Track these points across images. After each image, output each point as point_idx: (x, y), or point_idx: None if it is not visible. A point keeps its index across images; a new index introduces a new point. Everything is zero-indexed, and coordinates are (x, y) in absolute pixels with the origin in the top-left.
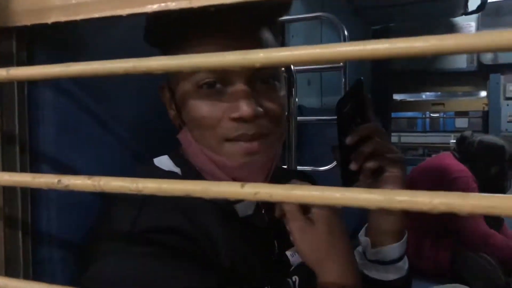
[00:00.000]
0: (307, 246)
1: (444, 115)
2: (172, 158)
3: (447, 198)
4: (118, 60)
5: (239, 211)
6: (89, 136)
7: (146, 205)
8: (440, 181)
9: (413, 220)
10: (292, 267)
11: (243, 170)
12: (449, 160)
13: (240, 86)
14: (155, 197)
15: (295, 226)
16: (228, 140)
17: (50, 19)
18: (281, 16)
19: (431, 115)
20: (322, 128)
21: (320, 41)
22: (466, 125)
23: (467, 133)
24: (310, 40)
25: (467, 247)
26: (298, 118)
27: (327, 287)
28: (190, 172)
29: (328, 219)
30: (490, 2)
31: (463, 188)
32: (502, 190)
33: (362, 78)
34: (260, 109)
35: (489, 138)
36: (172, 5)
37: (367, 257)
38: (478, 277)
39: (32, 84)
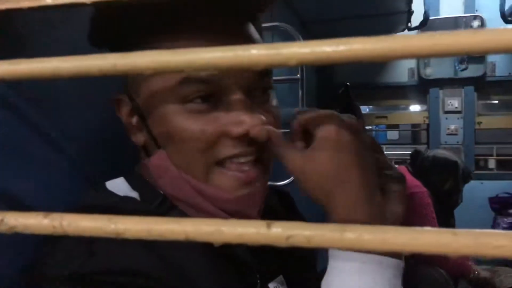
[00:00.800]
0: (308, 181)
1: (376, 128)
2: (128, 180)
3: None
4: (92, 56)
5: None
6: (34, 157)
7: (99, 240)
8: None
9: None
10: None
11: (239, 203)
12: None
13: (239, 96)
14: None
15: (290, 158)
16: (220, 163)
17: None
18: (264, 11)
19: (365, 127)
20: None
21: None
22: (397, 137)
23: (421, 148)
24: None
25: (420, 260)
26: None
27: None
28: (154, 197)
29: (335, 142)
30: (432, 18)
31: (418, 203)
32: (455, 205)
33: (348, 83)
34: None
35: (443, 153)
36: None
37: None
38: None
39: None
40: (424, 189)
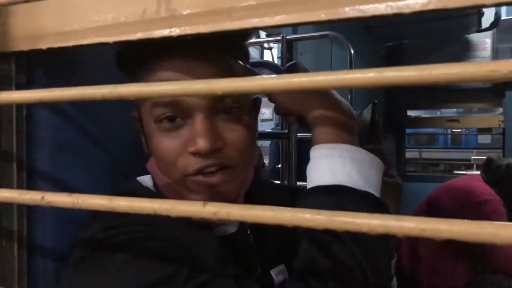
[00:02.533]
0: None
1: (466, 131)
2: (153, 178)
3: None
4: (96, 86)
5: (219, 229)
6: (82, 155)
7: (123, 219)
8: (466, 202)
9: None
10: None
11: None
12: (477, 182)
13: (199, 119)
14: (135, 217)
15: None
16: (188, 174)
17: (44, 45)
18: (244, 41)
19: (453, 131)
20: None
21: (330, 58)
22: (489, 141)
23: (494, 155)
24: (319, 58)
25: (489, 268)
26: (298, 134)
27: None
28: (160, 196)
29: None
30: (504, 19)
31: (490, 211)
32: None
33: (376, 101)
34: (219, 142)
35: None
36: (155, 34)
37: None
38: None
39: (31, 105)
40: (497, 197)
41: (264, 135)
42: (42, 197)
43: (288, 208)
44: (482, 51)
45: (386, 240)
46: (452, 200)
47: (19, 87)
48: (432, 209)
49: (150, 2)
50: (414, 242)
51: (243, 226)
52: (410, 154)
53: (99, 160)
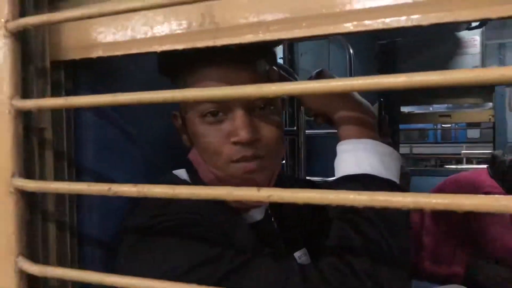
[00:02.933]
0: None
1: (456, 126)
2: (187, 172)
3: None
4: (160, 92)
5: (248, 218)
6: (121, 152)
7: (166, 209)
8: (471, 192)
9: (433, 222)
10: None
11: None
12: (483, 176)
13: (239, 114)
14: (174, 205)
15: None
16: (232, 161)
17: (95, 54)
18: (275, 46)
19: (443, 126)
20: (330, 140)
21: (328, 58)
22: (478, 136)
23: (498, 152)
24: (318, 58)
25: (486, 255)
26: (306, 131)
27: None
28: (195, 179)
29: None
30: None
31: None
32: None
33: (382, 100)
34: (256, 134)
35: None
36: (199, 44)
37: None
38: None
39: (77, 108)
40: (501, 190)
41: None
42: (109, 189)
43: (332, 190)
44: (472, 48)
45: (406, 220)
46: (458, 190)
47: (68, 92)
48: None
49: (195, 16)
50: (418, 232)
51: (268, 213)
52: (401, 149)
53: (136, 156)
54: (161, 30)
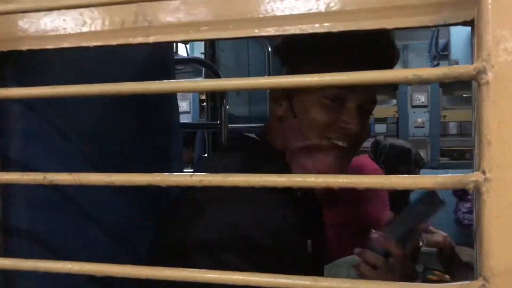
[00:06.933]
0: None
1: None
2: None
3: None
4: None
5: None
6: (52, 146)
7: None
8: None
9: (336, 217)
10: None
11: (325, 166)
12: (365, 160)
13: (353, 107)
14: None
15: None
16: (331, 138)
17: (25, 47)
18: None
19: None
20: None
21: (247, 54)
22: (384, 130)
23: (380, 138)
24: (237, 54)
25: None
26: (229, 125)
27: None
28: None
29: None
30: None
31: None
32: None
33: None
34: (359, 127)
35: (398, 141)
36: (132, 41)
37: None
38: None
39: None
40: (383, 172)
41: (198, 126)
42: (44, 177)
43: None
44: None
45: None
46: (351, 173)
47: None
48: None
49: None
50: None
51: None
52: None
53: (66, 150)
54: (95, 26)
